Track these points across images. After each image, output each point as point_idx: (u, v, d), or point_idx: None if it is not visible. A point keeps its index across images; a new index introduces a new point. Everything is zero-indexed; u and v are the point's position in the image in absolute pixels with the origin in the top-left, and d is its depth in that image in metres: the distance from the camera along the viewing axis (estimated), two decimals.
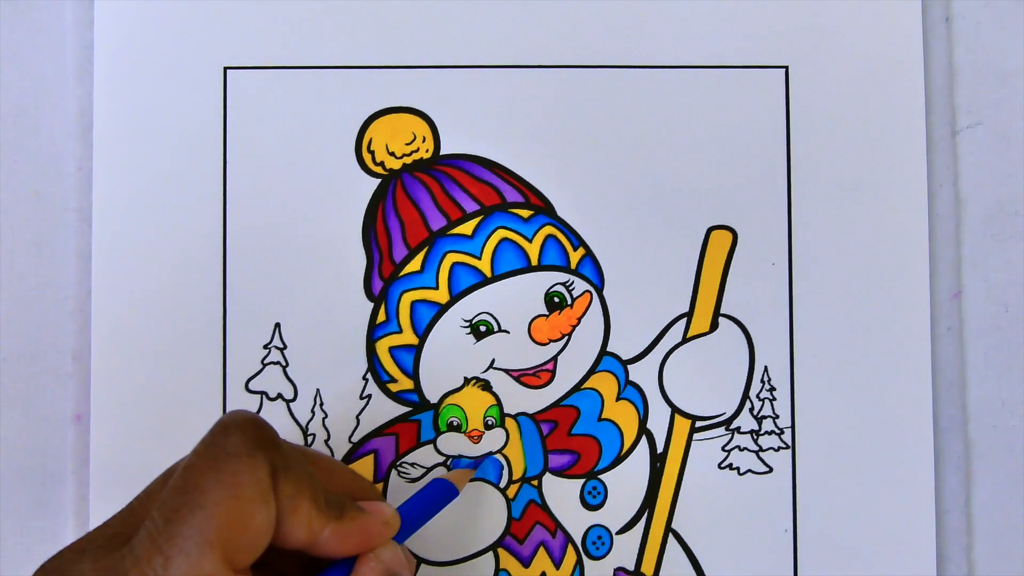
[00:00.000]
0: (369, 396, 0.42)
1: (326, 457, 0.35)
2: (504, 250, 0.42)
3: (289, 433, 0.41)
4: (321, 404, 0.41)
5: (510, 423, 0.42)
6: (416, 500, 0.37)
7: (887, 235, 0.43)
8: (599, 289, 0.42)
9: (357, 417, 0.42)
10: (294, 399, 0.41)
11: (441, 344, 0.42)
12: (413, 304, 0.42)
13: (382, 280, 0.42)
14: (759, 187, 0.43)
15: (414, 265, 0.42)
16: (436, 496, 0.38)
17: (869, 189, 0.43)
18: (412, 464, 0.41)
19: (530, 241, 0.42)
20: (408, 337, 0.42)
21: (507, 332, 0.42)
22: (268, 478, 0.29)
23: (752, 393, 0.42)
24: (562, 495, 0.42)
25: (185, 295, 0.41)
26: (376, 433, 0.42)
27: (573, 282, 0.42)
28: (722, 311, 0.42)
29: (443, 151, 0.42)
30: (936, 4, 0.44)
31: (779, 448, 0.42)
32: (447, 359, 0.42)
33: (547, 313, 0.42)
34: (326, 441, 0.41)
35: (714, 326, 0.42)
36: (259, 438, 0.29)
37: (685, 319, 0.42)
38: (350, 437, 0.41)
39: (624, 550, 0.42)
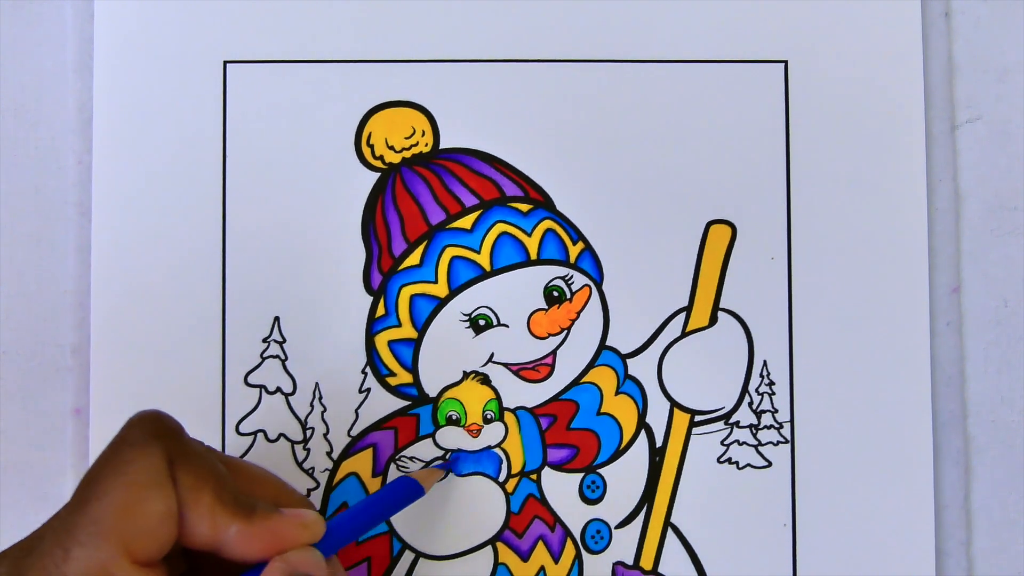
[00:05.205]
0: (368, 390, 0.42)
1: (253, 465, 0.34)
2: (503, 244, 0.42)
3: (288, 427, 0.41)
4: (320, 398, 0.41)
5: (509, 417, 0.42)
6: (369, 501, 0.36)
7: (886, 230, 0.43)
8: (598, 283, 0.42)
9: (356, 411, 0.42)
10: (293, 393, 0.41)
11: (440, 338, 0.42)
12: (412, 298, 0.42)
13: (381, 274, 0.42)
14: (758, 182, 0.43)
15: (413, 259, 0.42)
16: (399, 494, 0.37)
17: (868, 184, 0.43)
18: (411, 458, 0.41)
19: (529, 235, 0.42)
20: (407, 331, 0.42)
21: (506, 326, 0.42)
22: (163, 464, 0.28)
23: (751, 387, 0.42)
24: (561, 489, 0.42)
25: (184, 289, 0.41)
26: (375, 427, 0.42)
27: (572, 276, 0.42)
28: (721, 305, 0.42)
29: (442, 145, 0.42)
30: None
31: (778, 442, 0.42)
32: (446, 353, 0.42)
33: (546, 307, 0.42)
34: (325, 435, 0.41)
35: (713, 320, 0.42)
36: (158, 429, 0.29)
37: (684, 313, 0.42)
38: (349, 431, 0.41)
39: (623, 544, 0.42)
